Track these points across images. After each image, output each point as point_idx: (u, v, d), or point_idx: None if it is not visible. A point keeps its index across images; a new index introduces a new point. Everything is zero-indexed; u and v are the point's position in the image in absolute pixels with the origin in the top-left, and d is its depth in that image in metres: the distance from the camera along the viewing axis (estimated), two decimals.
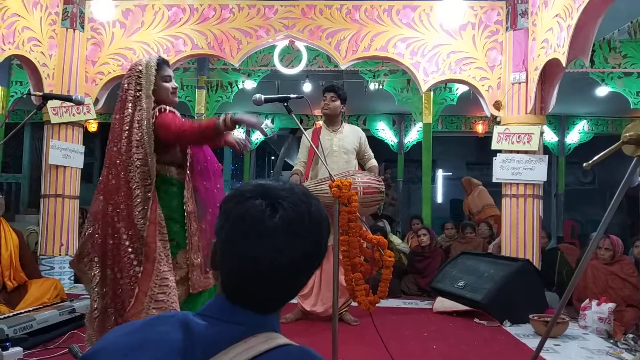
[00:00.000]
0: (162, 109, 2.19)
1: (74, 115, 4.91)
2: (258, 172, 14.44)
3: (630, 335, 3.54)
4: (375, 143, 10.14)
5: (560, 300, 1.66)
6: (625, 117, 9.05)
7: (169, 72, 2.29)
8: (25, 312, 3.20)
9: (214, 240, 0.82)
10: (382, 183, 3.66)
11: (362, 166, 4.03)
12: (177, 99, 2.33)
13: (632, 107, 6.70)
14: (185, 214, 2.19)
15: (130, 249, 2.11)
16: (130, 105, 2.18)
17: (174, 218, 2.20)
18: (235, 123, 2.11)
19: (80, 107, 4.83)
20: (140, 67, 2.22)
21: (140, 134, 2.14)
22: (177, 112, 2.26)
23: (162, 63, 2.28)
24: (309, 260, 0.80)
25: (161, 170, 2.21)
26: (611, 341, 3.55)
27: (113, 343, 0.77)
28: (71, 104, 4.68)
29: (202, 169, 2.30)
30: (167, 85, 2.27)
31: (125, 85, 2.24)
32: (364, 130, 4.15)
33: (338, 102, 3.88)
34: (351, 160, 3.88)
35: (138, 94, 2.19)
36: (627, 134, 1.10)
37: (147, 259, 2.10)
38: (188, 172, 2.22)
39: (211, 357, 0.72)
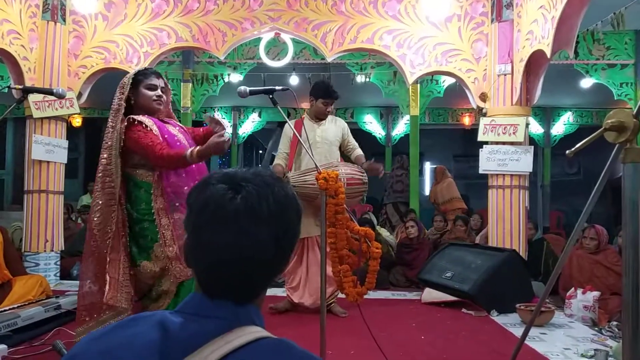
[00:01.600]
0: (132, 121, 2.32)
1: (56, 109, 4.83)
2: (246, 166, 14.38)
3: (615, 323, 3.59)
4: (363, 136, 10.17)
5: (544, 288, 1.67)
6: (609, 108, 9.06)
7: (155, 81, 2.41)
8: (10, 309, 3.16)
9: (185, 237, 0.80)
10: (365, 174, 3.70)
11: (347, 157, 4.02)
12: (160, 107, 2.44)
13: (615, 99, 6.79)
14: (154, 210, 2.32)
15: (95, 236, 2.33)
16: (114, 114, 2.37)
17: (145, 218, 2.34)
18: (201, 158, 2.26)
19: (63, 101, 4.76)
20: (125, 79, 2.40)
21: (110, 139, 2.33)
22: (148, 122, 2.34)
23: (148, 72, 2.43)
24: (279, 243, 0.78)
25: (131, 174, 2.37)
26: (596, 329, 3.60)
27: (87, 348, 0.75)
28: (53, 97, 4.61)
29: (189, 170, 2.39)
30: (149, 93, 2.39)
31: (117, 93, 2.41)
32: (351, 123, 4.16)
33: (333, 104, 3.95)
34: (334, 152, 3.89)
35: (120, 103, 2.36)
36: (609, 121, 1.11)
37: (113, 249, 2.30)
38: (157, 173, 2.36)
39: (189, 354, 0.71)
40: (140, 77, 2.39)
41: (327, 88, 3.90)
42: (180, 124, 2.61)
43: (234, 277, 0.76)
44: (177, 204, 2.35)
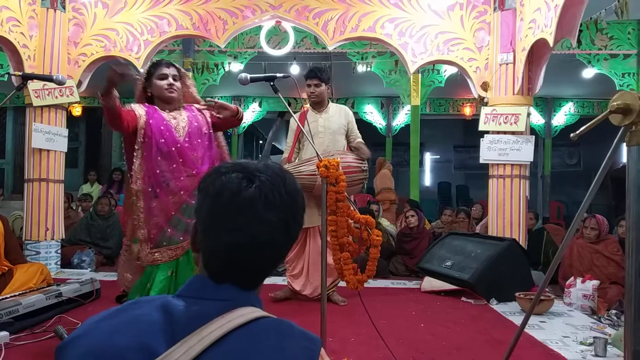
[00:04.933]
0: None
1: (56, 97, 4.81)
2: (246, 156, 14.34)
3: (614, 311, 3.61)
4: (364, 126, 10.12)
5: (544, 277, 1.68)
6: (610, 98, 9.13)
7: (165, 70, 2.52)
8: (11, 296, 3.16)
9: (194, 221, 0.83)
10: (365, 162, 3.68)
11: (349, 145, 4.00)
12: (173, 95, 2.52)
13: (617, 89, 6.75)
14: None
15: None
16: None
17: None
18: (103, 95, 2.33)
19: (63, 89, 4.73)
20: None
21: None
22: (139, 109, 2.47)
23: (158, 63, 2.56)
24: (288, 230, 0.81)
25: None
26: (595, 317, 3.62)
27: (91, 329, 0.76)
28: (53, 85, 4.59)
29: (167, 152, 2.43)
30: (161, 82, 2.50)
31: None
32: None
33: (323, 86, 3.85)
34: (339, 140, 3.85)
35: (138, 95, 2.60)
36: (615, 104, 1.10)
37: None
38: (136, 154, 2.43)
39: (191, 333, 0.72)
40: (151, 69, 2.54)
41: (310, 69, 3.93)
42: (201, 111, 2.63)
43: (243, 261, 0.78)
44: (155, 190, 2.43)
